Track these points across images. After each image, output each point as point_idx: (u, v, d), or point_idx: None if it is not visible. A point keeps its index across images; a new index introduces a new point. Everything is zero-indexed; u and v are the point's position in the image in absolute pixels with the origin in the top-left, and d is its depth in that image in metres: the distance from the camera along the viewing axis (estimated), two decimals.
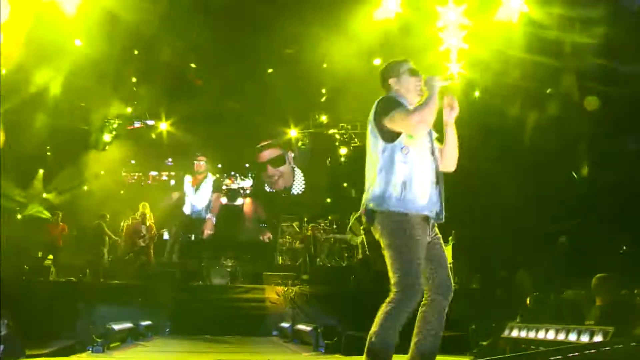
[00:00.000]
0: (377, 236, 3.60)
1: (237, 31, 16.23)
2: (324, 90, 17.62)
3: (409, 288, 3.38)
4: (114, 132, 17.47)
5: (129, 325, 6.91)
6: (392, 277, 3.46)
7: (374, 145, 3.68)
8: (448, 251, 12.54)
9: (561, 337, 5.01)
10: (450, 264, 12.40)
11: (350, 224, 10.80)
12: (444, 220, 3.69)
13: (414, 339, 3.54)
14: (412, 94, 3.74)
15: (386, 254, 3.53)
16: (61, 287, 10.76)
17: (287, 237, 15.12)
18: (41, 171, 16.38)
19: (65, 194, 16.20)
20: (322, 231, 14.71)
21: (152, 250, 12.70)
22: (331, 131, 18.24)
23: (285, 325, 6.94)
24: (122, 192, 18.77)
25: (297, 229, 14.81)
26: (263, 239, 17.72)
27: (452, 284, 3.63)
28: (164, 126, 17.82)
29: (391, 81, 3.81)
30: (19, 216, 15.65)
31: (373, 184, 3.59)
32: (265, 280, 12.40)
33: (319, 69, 17.17)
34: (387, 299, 3.44)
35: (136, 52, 16.55)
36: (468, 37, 12.90)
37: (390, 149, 3.57)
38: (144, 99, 17.25)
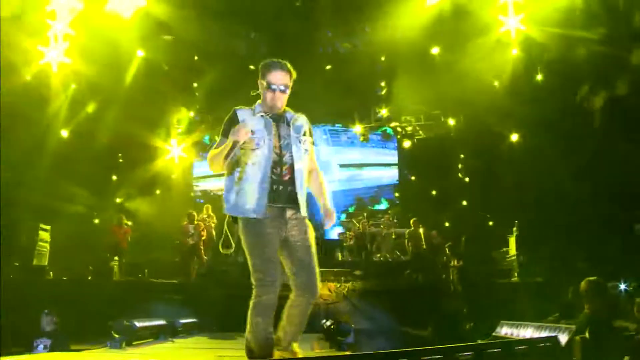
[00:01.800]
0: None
1: (293, 30, 16.35)
2: (383, 84, 17.41)
3: (261, 278, 3.62)
4: (181, 138, 18.12)
5: (159, 322, 7.08)
6: (251, 272, 3.70)
7: None
8: (512, 243, 12.03)
9: (534, 334, 4.77)
10: (512, 256, 11.93)
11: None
12: (304, 213, 3.80)
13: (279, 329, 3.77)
14: (266, 108, 3.88)
15: (246, 250, 3.77)
16: (121, 286, 11.32)
17: (348, 232, 15.04)
18: (114, 177, 17.21)
19: (136, 198, 16.90)
20: (381, 226, 14.53)
21: (202, 250, 12.92)
22: (392, 124, 17.97)
23: (326, 322, 6.90)
24: (192, 194, 19.39)
25: (357, 225, 14.69)
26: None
27: (317, 284, 3.75)
28: None
29: (258, 83, 3.93)
30: (96, 221, 16.52)
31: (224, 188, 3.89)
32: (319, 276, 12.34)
33: (377, 62, 17.06)
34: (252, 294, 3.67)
35: (196, 57, 17.09)
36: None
37: (230, 158, 3.79)
38: (205, 104, 17.73)
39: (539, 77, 13.52)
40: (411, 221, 13.71)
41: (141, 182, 17.24)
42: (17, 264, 11.68)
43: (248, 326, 3.65)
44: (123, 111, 15.24)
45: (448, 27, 13.79)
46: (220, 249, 3.97)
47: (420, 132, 17.95)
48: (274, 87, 3.79)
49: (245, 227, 3.73)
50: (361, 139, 18.54)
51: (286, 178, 3.77)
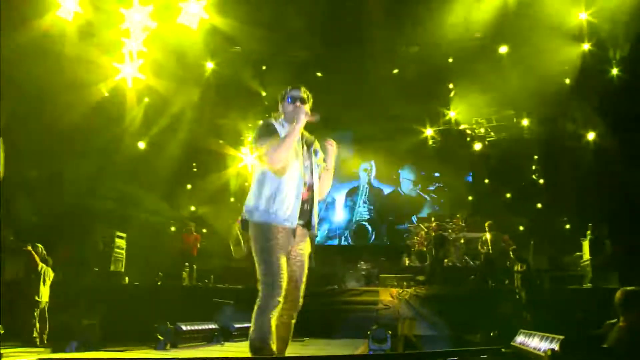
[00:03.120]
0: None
1: (358, 36, 16.34)
2: (451, 86, 17.07)
3: (269, 288, 3.76)
4: (250, 146, 18.50)
5: (209, 326, 7.26)
6: (259, 280, 3.84)
7: (253, 162, 4.17)
8: (585, 247, 11.45)
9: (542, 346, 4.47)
10: (586, 261, 11.34)
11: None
12: (315, 231, 4.10)
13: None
14: (290, 120, 4.02)
15: (255, 259, 3.90)
16: (188, 291, 11.73)
17: (415, 238, 14.82)
18: (189, 186, 17.86)
19: (210, 205, 17.45)
20: (449, 230, 14.22)
21: None
22: (462, 126, 17.56)
23: (372, 327, 6.86)
24: None
25: (425, 229, 14.46)
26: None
27: (300, 299, 3.98)
28: None
29: (280, 105, 4.19)
30: (172, 229, 17.20)
31: (249, 196, 4.03)
32: (381, 282, 12.27)
33: (445, 64, 16.74)
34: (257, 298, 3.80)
35: (264, 67, 17.42)
36: None
37: (263, 165, 3.98)
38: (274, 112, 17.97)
39: (614, 71, 12.81)
40: (486, 225, 13.35)
41: (215, 190, 17.77)
42: (96, 269, 12.38)
43: (253, 327, 3.76)
44: (195, 122, 15.83)
45: (515, 23, 13.34)
46: (233, 251, 4.14)
47: (492, 133, 17.46)
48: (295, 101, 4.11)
49: (264, 233, 3.88)
50: (430, 142, 18.24)
51: (305, 197, 4.02)
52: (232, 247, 4.28)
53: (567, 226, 15.08)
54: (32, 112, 12.67)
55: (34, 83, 12.04)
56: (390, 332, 6.36)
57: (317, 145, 4.20)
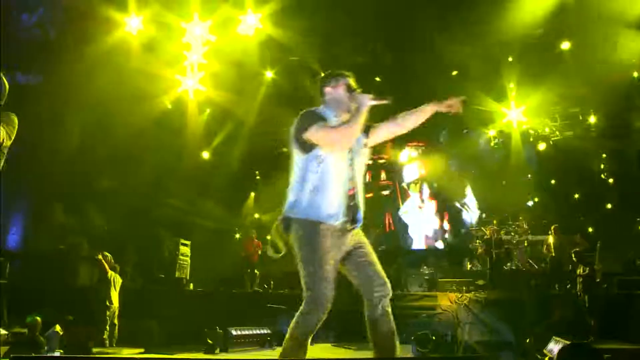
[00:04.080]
0: (291, 242, 3.70)
1: (413, 37, 16.25)
2: (511, 85, 16.64)
3: (312, 298, 3.51)
4: None
5: (261, 331, 7.38)
6: (303, 286, 3.58)
7: (293, 158, 3.80)
8: None
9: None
10: None
11: None
12: (357, 226, 3.77)
13: (371, 343, 3.65)
14: (342, 108, 3.80)
15: (297, 260, 3.65)
16: (248, 296, 11.99)
17: (477, 241, 14.52)
18: (252, 194, 18.23)
19: (273, 213, 17.71)
20: (512, 233, 13.86)
21: None
22: (526, 126, 17.05)
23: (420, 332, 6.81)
24: None
25: (487, 232, 14.16)
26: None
27: (387, 286, 3.66)
28: None
29: (327, 90, 3.89)
30: (237, 236, 17.62)
31: (289, 192, 3.76)
32: (440, 287, 12.11)
33: (505, 63, 16.36)
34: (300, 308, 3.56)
35: (322, 74, 17.53)
36: None
37: (306, 159, 3.71)
38: None
39: None
40: (552, 227, 12.95)
41: (278, 197, 18.02)
42: (162, 276, 12.87)
43: (288, 336, 3.67)
44: (257, 130, 16.18)
45: (576, 15, 12.89)
46: (270, 253, 3.90)
47: (557, 132, 16.89)
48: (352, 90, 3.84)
49: (308, 235, 3.59)
50: (492, 143, 17.85)
51: (351, 193, 3.75)
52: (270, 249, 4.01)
53: None
54: (102, 124, 13.33)
55: (102, 96, 12.67)
56: (434, 337, 6.28)
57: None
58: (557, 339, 5.55)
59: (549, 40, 14.36)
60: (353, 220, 3.74)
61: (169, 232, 13.73)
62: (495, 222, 14.10)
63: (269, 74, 15.88)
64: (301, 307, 3.58)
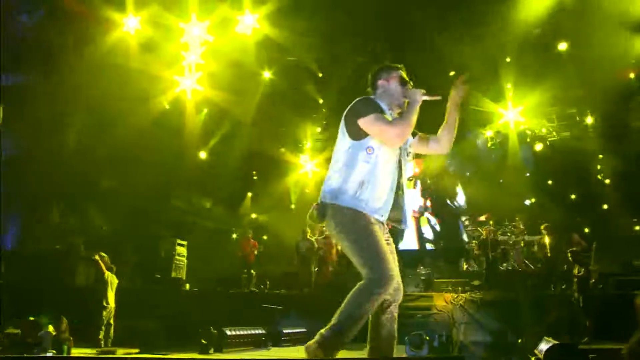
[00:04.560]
0: (329, 231, 3.59)
1: (413, 37, 16.25)
2: (509, 86, 16.66)
3: (380, 275, 3.33)
4: (312, 153, 18.71)
5: (255, 331, 7.41)
6: (362, 269, 3.40)
7: (341, 142, 3.67)
8: None
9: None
10: None
11: None
12: (405, 227, 3.70)
13: (369, 344, 3.54)
14: (395, 102, 3.71)
15: (347, 249, 3.51)
16: (244, 296, 12.02)
17: (473, 242, 14.54)
18: (249, 194, 18.24)
19: (270, 213, 17.76)
20: (509, 234, 13.87)
21: (320, 262, 13.17)
22: (523, 126, 17.06)
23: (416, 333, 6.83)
24: None
25: (483, 232, 14.16)
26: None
27: (400, 292, 3.57)
28: None
29: (380, 83, 3.80)
30: (234, 236, 17.63)
31: (332, 178, 3.61)
32: (436, 287, 12.13)
33: (502, 63, 16.37)
34: (358, 285, 3.37)
35: (320, 75, 17.57)
36: None
37: (356, 146, 3.57)
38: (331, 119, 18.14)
39: None
40: (542, 227, 13.00)
41: (275, 197, 18.06)
42: (158, 276, 12.89)
43: (341, 315, 3.38)
44: (254, 130, 16.19)
45: (574, 16, 12.91)
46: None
47: (554, 133, 16.91)
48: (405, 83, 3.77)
49: (356, 217, 3.48)
50: (489, 143, 17.85)
51: (398, 192, 3.70)
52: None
53: (637, 227, 14.41)
54: (100, 124, 13.36)
55: (101, 96, 12.69)
56: (427, 337, 6.31)
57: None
58: (548, 339, 5.57)
59: (547, 40, 14.38)
60: (400, 221, 3.72)
61: (168, 232, 13.76)
62: (491, 222, 14.11)
63: (267, 74, 15.91)
64: (366, 287, 3.38)
